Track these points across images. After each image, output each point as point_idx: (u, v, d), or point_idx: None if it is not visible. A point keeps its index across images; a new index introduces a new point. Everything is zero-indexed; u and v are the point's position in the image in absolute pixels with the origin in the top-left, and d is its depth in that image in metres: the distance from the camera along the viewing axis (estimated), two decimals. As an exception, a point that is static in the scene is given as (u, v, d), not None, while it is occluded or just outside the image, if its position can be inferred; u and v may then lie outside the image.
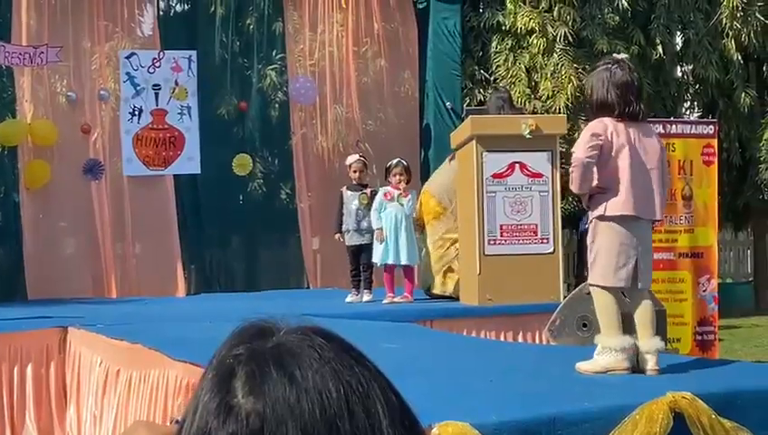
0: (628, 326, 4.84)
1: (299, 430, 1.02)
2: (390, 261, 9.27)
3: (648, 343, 4.76)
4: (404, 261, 9.25)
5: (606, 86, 4.96)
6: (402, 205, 9.20)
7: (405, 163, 9.48)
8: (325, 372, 1.05)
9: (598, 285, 4.91)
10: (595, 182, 4.94)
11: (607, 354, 4.74)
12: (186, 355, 5.67)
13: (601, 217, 4.91)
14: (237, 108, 13.26)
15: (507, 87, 12.93)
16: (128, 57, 12.46)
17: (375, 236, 9.31)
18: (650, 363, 4.70)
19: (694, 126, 10.68)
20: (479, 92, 14.44)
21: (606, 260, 4.86)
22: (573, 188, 5.07)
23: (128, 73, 12.41)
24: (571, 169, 5.04)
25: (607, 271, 4.86)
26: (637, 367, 4.76)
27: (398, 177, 9.23)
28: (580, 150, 4.94)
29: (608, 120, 4.95)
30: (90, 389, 7.25)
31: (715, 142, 10.45)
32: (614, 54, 5.39)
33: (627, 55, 5.29)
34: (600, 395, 4.11)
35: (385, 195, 9.27)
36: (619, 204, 4.86)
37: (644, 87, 14.26)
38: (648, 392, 3.87)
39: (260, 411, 1.03)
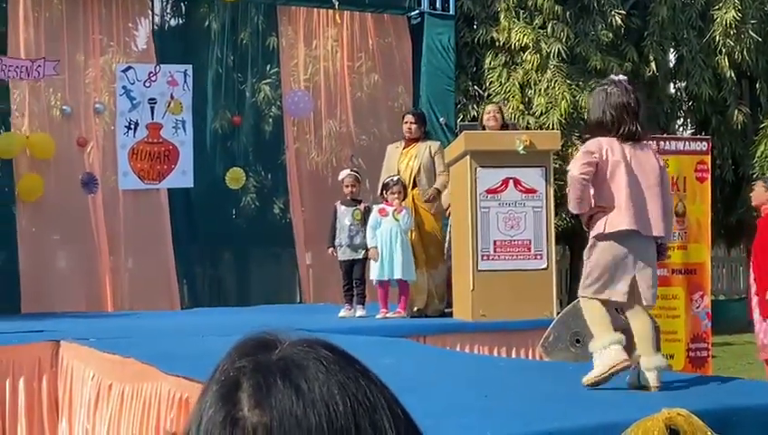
0: (628, 343, 4.79)
1: None
2: (386, 277, 9.24)
3: (650, 360, 4.74)
4: (399, 276, 9.23)
5: (602, 107, 5.01)
6: (398, 220, 9.19)
7: (404, 182, 9.50)
8: (332, 385, 1.04)
9: (587, 297, 4.92)
10: (593, 202, 4.94)
11: (604, 355, 4.69)
12: (178, 369, 5.66)
13: (600, 237, 4.92)
14: (231, 122, 13.27)
15: (502, 103, 12.97)
16: (124, 71, 12.46)
17: (369, 255, 9.30)
18: (652, 380, 4.67)
19: (687, 143, 10.72)
20: (473, 108, 14.48)
21: (600, 274, 4.87)
22: (571, 207, 5.07)
23: (124, 87, 12.41)
24: (567, 189, 5.04)
25: (601, 285, 4.86)
26: (638, 384, 4.74)
27: (396, 195, 9.23)
28: (575, 168, 4.95)
29: (603, 139, 4.97)
30: (82, 403, 7.22)
31: (708, 159, 10.49)
32: (612, 76, 5.39)
33: (625, 77, 5.33)
34: (595, 411, 4.10)
35: (380, 211, 9.26)
36: (616, 220, 4.86)
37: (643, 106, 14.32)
38: (643, 409, 3.87)
39: (267, 424, 1.02)
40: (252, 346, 1.11)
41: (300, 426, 1.01)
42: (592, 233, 4.97)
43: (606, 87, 5.08)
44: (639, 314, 4.88)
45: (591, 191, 4.93)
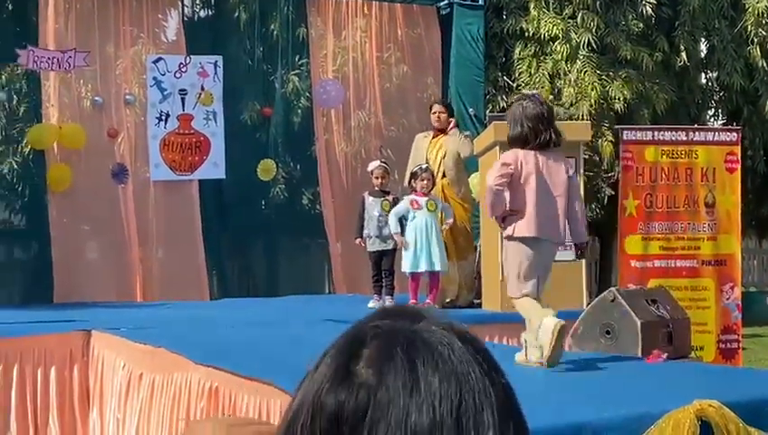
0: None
1: (401, 425, 0.98)
2: (423, 268, 9.15)
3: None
4: (437, 267, 9.14)
5: (520, 120, 5.57)
6: (432, 211, 9.14)
7: (432, 169, 9.46)
8: (448, 374, 1.01)
9: (514, 297, 5.62)
10: (508, 206, 5.55)
11: (542, 328, 5.25)
12: (209, 359, 5.69)
13: (510, 238, 5.59)
14: (261, 113, 13.29)
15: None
16: (155, 62, 12.50)
17: (396, 240, 9.24)
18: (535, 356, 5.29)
19: (717, 133, 10.66)
20: (502, 99, 14.42)
21: (514, 274, 5.59)
22: (487, 213, 5.78)
23: (155, 78, 12.45)
24: (484, 196, 5.81)
25: (516, 284, 5.58)
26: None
27: (425, 182, 9.17)
28: (491, 178, 5.53)
29: (519, 151, 5.56)
30: (113, 392, 7.27)
31: (737, 150, 10.42)
32: (524, 91, 6.21)
33: (536, 91, 6.08)
34: (626, 403, 4.09)
35: (412, 203, 9.18)
36: (524, 227, 5.52)
37: (669, 93, 14.22)
38: (674, 400, 3.85)
39: (372, 387, 1.01)
40: (395, 312, 1.10)
41: (398, 402, 0.99)
42: (504, 233, 5.66)
43: (522, 102, 5.68)
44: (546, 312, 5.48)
45: (507, 196, 5.54)
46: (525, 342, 5.52)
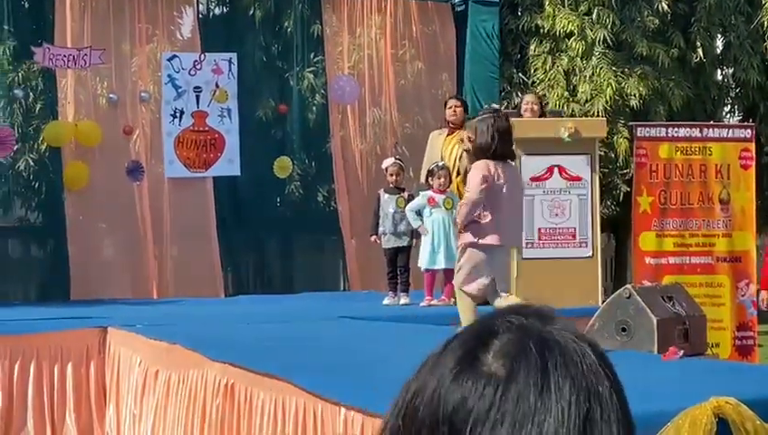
0: None
1: (527, 423, 0.96)
2: (442, 265, 9.14)
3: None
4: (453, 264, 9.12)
5: (491, 131, 5.92)
6: (449, 209, 9.13)
7: (449, 167, 9.46)
8: (578, 386, 0.98)
9: (462, 290, 5.98)
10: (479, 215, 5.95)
11: None
12: (224, 356, 5.70)
13: (472, 244, 5.95)
14: (276, 110, 13.30)
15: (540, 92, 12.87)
16: (169, 59, 12.54)
17: (420, 231, 9.21)
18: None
19: (731, 130, 10.64)
20: (517, 95, 14.39)
21: (468, 272, 5.95)
22: (459, 220, 6.10)
23: (169, 75, 12.48)
24: (461, 204, 6.15)
25: (464, 280, 5.95)
26: None
27: (442, 180, 9.17)
28: (475, 192, 5.91)
29: (490, 163, 5.93)
30: (129, 389, 7.30)
31: (752, 146, 10.39)
32: (493, 104, 6.77)
33: (498, 105, 6.29)
34: (643, 400, 4.08)
35: (429, 200, 9.18)
36: (489, 236, 5.91)
37: (685, 90, 14.16)
38: (691, 397, 3.84)
39: (501, 379, 0.98)
40: (527, 310, 1.07)
41: (528, 400, 0.97)
42: (466, 239, 6.00)
43: (493, 114, 6.15)
44: (507, 299, 5.83)
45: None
46: None
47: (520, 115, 10.01)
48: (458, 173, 9.67)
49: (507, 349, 1.00)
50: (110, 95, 12.33)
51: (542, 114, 10.17)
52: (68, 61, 11.71)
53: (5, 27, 12.06)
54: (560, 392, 0.97)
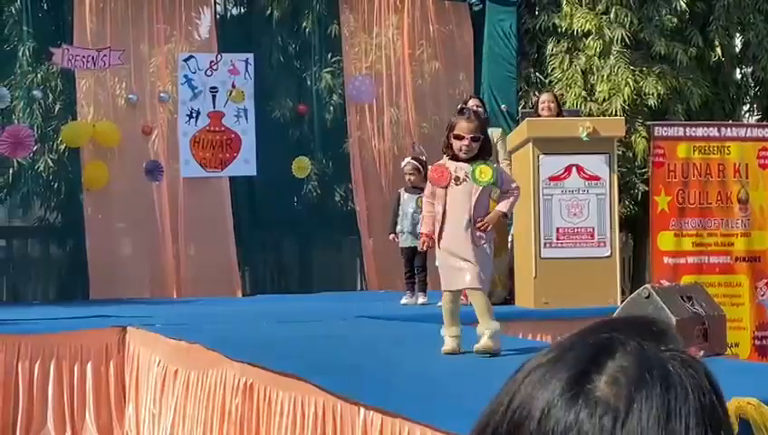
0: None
1: None
2: None
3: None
4: None
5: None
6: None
7: None
8: (700, 420, 0.93)
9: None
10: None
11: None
12: (243, 355, 5.71)
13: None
14: (294, 110, 13.33)
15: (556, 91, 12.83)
16: (186, 60, 12.58)
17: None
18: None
19: (749, 129, 10.61)
20: (534, 95, 14.35)
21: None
22: (512, 210, 6.35)
23: (186, 76, 12.53)
24: (515, 195, 6.12)
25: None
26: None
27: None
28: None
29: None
30: (148, 388, 7.32)
31: (771, 145, 10.35)
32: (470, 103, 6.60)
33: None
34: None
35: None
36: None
37: (703, 89, 14.12)
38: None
39: (615, 409, 0.92)
40: (645, 326, 1.00)
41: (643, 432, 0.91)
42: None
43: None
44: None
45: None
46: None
47: (537, 114, 9.99)
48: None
49: (625, 376, 0.94)
50: (130, 96, 12.39)
51: (560, 113, 10.14)
52: (87, 62, 11.77)
53: (25, 28, 12.13)
54: (684, 431, 0.92)
